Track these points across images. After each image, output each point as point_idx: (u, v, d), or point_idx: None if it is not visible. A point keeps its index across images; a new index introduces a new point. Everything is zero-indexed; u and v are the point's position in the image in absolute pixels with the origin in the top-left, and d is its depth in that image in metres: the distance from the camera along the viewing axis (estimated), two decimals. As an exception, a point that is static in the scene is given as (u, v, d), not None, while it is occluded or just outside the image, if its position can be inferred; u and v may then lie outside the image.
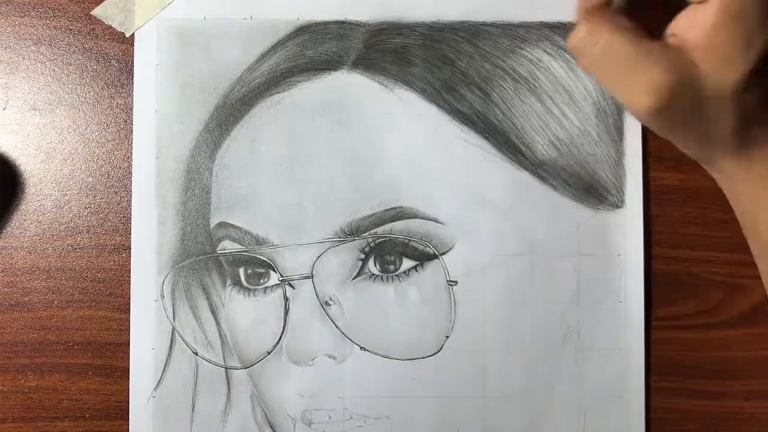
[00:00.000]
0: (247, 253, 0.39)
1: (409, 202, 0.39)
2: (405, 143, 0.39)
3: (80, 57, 0.40)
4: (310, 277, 0.39)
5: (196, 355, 0.39)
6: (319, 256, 0.39)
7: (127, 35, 0.40)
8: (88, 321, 0.40)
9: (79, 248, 0.40)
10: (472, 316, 0.39)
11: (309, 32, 0.39)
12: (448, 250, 0.39)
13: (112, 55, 0.40)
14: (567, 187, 0.39)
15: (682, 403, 0.39)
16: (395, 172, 0.39)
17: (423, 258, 0.39)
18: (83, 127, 0.40)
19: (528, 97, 0.39)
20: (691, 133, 0.29)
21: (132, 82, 0.40)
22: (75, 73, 0.40)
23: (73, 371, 0.39)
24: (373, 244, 0.38)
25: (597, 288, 0.39)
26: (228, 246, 0.39)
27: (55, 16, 0.40)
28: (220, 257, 0.39)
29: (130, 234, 0.39)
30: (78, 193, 0.40)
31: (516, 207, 0.39)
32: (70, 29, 0.40)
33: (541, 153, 0.39)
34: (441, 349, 0.39)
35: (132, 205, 0.39)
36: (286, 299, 0.39)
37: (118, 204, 0.40)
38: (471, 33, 0.39)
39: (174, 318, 0.39)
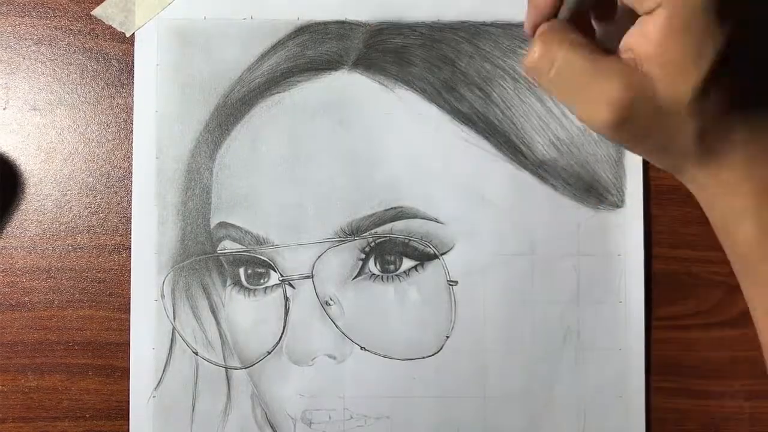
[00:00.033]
0: (248, 253, 0.39)
1: (409, 202, 0.39)
2: (405, 143, 0.39)
3: (80, 57, 0.40)
4: (311, 277, 0.39)
5: (197, 355, 0.39)
6: (319, 256, 0.39)
7: (128, 35, 0.40)
8: (89, 321, 0.40)
9: (80, 248, 0.40)
10: (472, 316, 0.39)
11: (309, 32, 0.39)
12: (448, 250, 0.39)
13: (113, 55, 0.40)
14: (567, 186, 0.39)
15: (682, 403, 0.39)
16: (395, 172, 0.39)
17: (423, 258, 0.39)
18: (83, 127, 0.40)
19: (528, 97, 0.39)
20: (653, 145, 0.29)
21: (132, 82, 0.40)
22: (75, 73, 0.40)
23: (74, 371, 0.39)
24: (373, 243, 0.39)
25: (597, 288, 0.39)
26: (228, 246, 0.39)
27: (55, 16, 0.40)
28: (221, 257, 0.39)
29: (130, 234, 0.39)
30: (78, 193, 0.40)
31: (516, 207, 0.39)
32: (71, 29, 0.40)
33: (542, 153, 0.39)
34: (441, 349, 0.39)
35: (132, 205, 0.39)
36: (287, 299, 0.39)
37: (119, 204, 0.40)
38: (471, 33, 0.39)
39: (174, 318, 0.39)
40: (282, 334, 0.39)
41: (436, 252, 0.39)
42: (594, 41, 0.29)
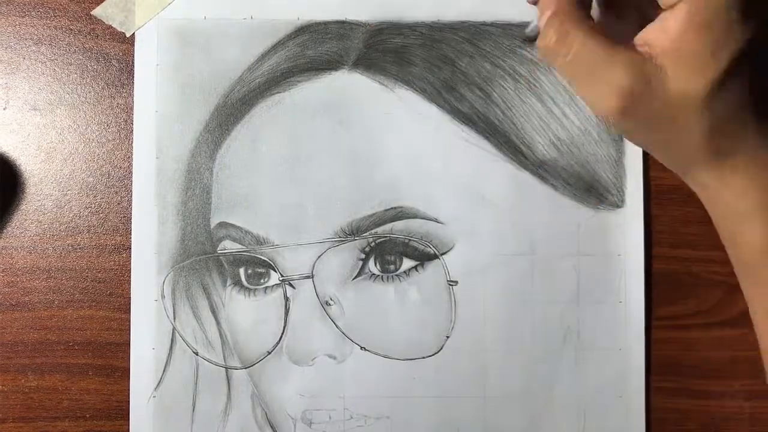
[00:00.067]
0: (248, 253, 0.39)
1: (409, 202, 0.39)
2: (405, 143, 0.39)
3: (81, 57, 0.40)
4: (311, 277, 0.39)
5: (197, 355, 0.39)
6: (319, 256, 0.39)
7: (128, 35, 0.40)
8: (89, 321, 0.40)
9: (80, 248, 0.40)
10: (472, 316, 0.39)
11: (309, 32, 0.39)
12: (448, 250, 0.39)
13: (113, 55, 0.40)
14: (567, 186, 0.39)
15: (682, 403, 0.39)
16: (395, 172, 0.39)
17: (423, 258, 0.39)
18: (84, 127, 0.40)
19: (528, 97, 0.39)
20: (660, 140, 0.29)
21: (132, 82, 0.40)
22: (75, 73, 0.40)
23: (74, 371, 0.39)
24: (373, 243, 0.39)
25: (597, 288, 0.39)
26: (228, 246, 0.39)
27: (55, 16, 0.40)
28: (221, 257, 0.39)
29: (130, 234, 0.39)
30: (78, 193, 0.40)
31: (516, 207, 0.39)
32: (71, 29, 0.40)
33: (542, 153, 0.39)
34: (441, 349, 0.39)
35: (132, 205, 0.39)
36: (287, 299, 0.39)
37: (119, 204, 0.40)
38: (471, 33, 0.39)
39: (174, 318, 0.39)
40: (282, 334, 0.39)
41: (436, 252, 0.39)
42: (605, 30, 0.29)
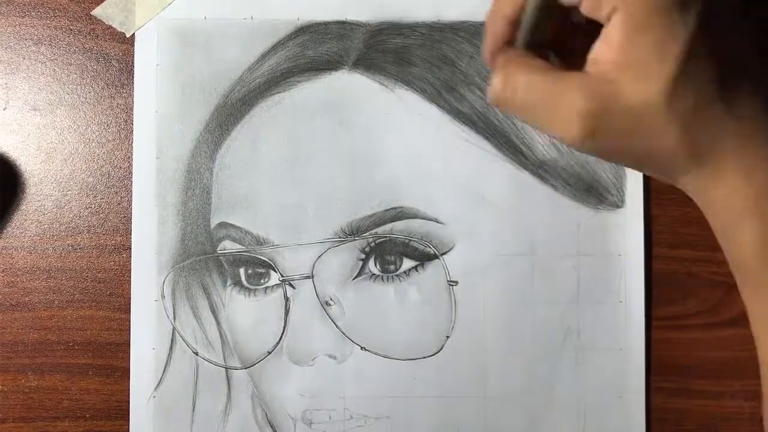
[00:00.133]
0: (248, 253, 0.39)
1: (409, 202, 0.39)
2: (405, 143, 0.39)
3: (80, 57, 0.40)
4: (311, 277, 0.39)
5: (197, 355, 0.39)
6: (319, 256, 0.39)
7: (128, 35, 0.40)
8: (89, 321, 0.40)
9: (80, 248, 0.40)
10: (472, 316, 0.39)
11: (309, 32, 0.39)
12: (448, 250, 0.39)
13: (113, 55, 0.40)
14: (567, 187, 0.39)
15: (682, 403, 0.39)
16: (395, 172, 0.39)
17: (423, 258, 0.39)
18: (84, 127, 0.40)
19: (528, 97, 0.39)
20: (637, 155, 0.28)
21: (132, 82, 0.40)
22: (75, 73, 0.40)
23: (74, 371, 0.39)
24: (373, 244, 0.39)
25: (597, 288, 0.39)
26: (228, 246, 0.39)
27: (55, 16, 0.40)
28: (221, 257, 0.39)
29: (130, 234, 0.39)
30: (78, 193, 0.40)
31: (516, 207, 0.39)
32: (71, 29, 0.40)
33: (542, 153, 0.39)
34: (441, 349, 0.39)
35: (132, 205, 0.39)
36: (287, 299, 0.39)
37: (119, 204, 0.40)
38: (471, 33, 0.39)
39: (174, 318, 0.39)
40: (282, 334, 0.39)
41: (436, 252, 0.39)
42: (551, 65, 0.28)
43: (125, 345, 0.39)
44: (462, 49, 0.39)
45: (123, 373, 0.39)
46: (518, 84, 0.28)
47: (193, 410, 0.39)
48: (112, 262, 0.40)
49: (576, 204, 0.39)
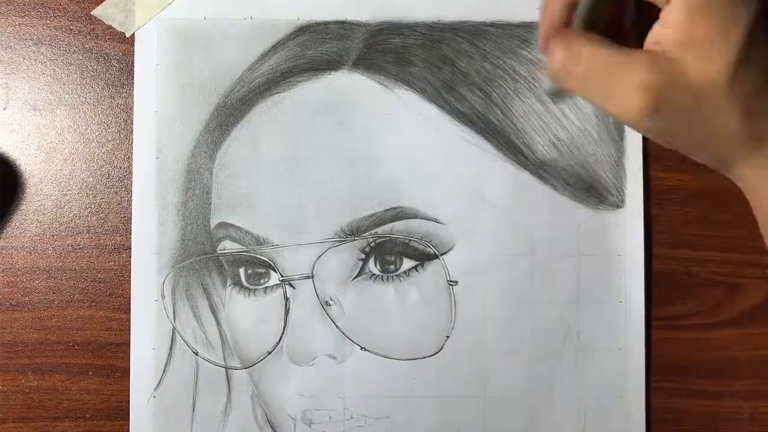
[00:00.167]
0: (248, 253, 0.39)
1: (409, 202, 0.39)
2: (405, 143, 0.39)
3: (80, 57, 0.40)
4: (311, 277, 0.39)
5: (197, 355, 0.39)
6: (319, 256, 0.39)
7: (128, 35, 0.40)
8: (89, 321, 0.40)
9: (80, 248, 0.40)
10: (472, 316, 0.39)
11: (309, 32, 0.39)
12: (448, 250, 0.39)
13: (113, 55, 0.40)
14: (567, 187, 0.39)
15: (682, 403, 0.39)
16: (395, 172, 0.39)
17: (423, 258, 0.39)
18: (83, 127, 0.40)
19: (528, 97, 0.39)
20: (695, 135, 0.28)
21: (132, 82, 0.40)
22: (75, 73, 0.40)
23: (74, 371, 0.39)
24: (373, 244, 0.39)
25: (597, 288, 0.39)
26: (228, 246, 0.39)
27: (55, 16, 0.40)
28: (221, 257, 0.39)
29: (130, 234, 0.39)
30: (78, 193, 0.40)
31: (516, 207, 0.39)
32: (71, 29, 0.40)
33: (542, 153, 0.39)
34: (441, 349, 0.39)
35: (132, 205, 0.39)
36: (287, 299, 0.39)
37: (119, 204, 0.40)
38: (471, 33, 0.39)
39: (174, 318, 0.39)
40: (282, 334, 0.39)
41: (436, 252, 0.39)
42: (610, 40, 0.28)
43: (125, 345, 0.39)
44: (462, 49, 0.39)
45: (123, 373, 0.39)
46: (582, 53, 0.27)
47: (193, 410, 0.39)
48: (112, 262, 0.40)
49: (576, 204, 0.39)
